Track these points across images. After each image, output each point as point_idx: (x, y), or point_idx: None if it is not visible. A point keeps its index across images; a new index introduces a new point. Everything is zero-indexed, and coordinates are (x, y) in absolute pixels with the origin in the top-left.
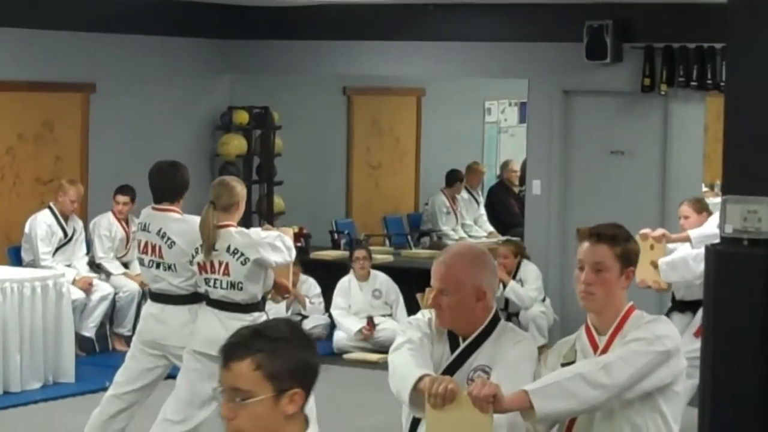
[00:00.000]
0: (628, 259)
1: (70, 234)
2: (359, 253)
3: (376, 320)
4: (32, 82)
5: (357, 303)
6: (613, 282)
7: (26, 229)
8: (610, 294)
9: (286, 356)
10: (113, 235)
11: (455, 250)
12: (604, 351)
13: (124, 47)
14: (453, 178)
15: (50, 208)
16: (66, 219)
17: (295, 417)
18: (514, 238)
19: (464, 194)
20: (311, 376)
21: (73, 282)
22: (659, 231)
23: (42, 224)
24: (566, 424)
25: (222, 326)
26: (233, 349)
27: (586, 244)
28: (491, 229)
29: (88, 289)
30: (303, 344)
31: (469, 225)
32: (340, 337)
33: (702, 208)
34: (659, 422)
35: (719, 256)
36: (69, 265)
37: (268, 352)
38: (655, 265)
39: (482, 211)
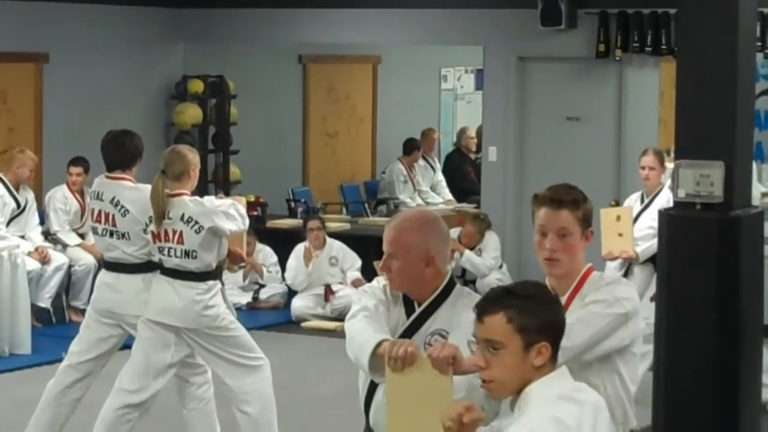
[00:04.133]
0: (588, 221)
1: (23, 204)
2: (312, 223)
3: (334, 288)
4: None
5: (314, 271)
6: (576, 246)
7: None
8: (574, 258)
9: (534, 312)
10: (68, 207)
11: (405, 215)
12: None
13: (78, 17)
14: (411, 147)
15: (1, 179)
16: (17, 189)
17: (543, 368)
18: (476, 210)
19: (420, 161)
20: (557, 332)
21: (29, 254)
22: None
23: None
24: None
25: (176, 295)
26: (487, 305)
27: (546, 210)
28: (450, 196)
29: (45, 259)
30: (549, 303)
31: (426, 192)
32: (297, 306)
33: (662, 160)
34: (617, 383)
35: (672, 220)
36: (23, 236)
37: (519, 307)
38: (622, 235)
39: (440, 177)
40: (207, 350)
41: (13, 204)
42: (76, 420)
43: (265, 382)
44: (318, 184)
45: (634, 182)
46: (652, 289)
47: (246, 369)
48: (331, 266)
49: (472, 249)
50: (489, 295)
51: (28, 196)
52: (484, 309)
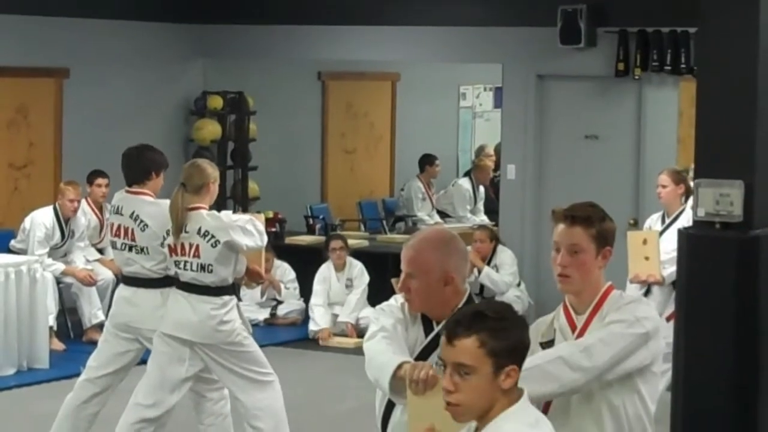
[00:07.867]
0: (604, 239)
1: (67, 236)
2: (335, 243)
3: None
4: (6, 68)
5: (334, 293)
6: (589, 263)
7: (26, 224)
8: (586, 275)
9: (505, 335)
10: (87, 222)
11: (423, 235)
12: (582, 331)
13: (98, 32)
14: (426, 163)
15: (55, 208)
16: (67, 221)
17: (510, 391)
18: (489, 223)
19: (480, 188)
20: (524, 354)
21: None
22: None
23: (41, 227)
24: (542, 405)
25: (191, 309)
26: (458, 328)
27: (561, 226)
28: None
29: (88, 280)
30: (519, 325)
31: (466, 217)
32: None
33: (680, 180)
34: (637, 402)
35: (691, 239)
36: (65, 261)
37: (491, 331)
38: (648, 258)
39: (480, 206)
40: (220, 365)
41: (58, 235)
42: None
43: (277, 399)
44: (336, 200)
45: (652, 201)
46: (670, 309)
47: (257, 384)
48: (347, 288)
49: (487, 263)
50: (459, 318)
51: (76, 228)
52: (455, 332)
